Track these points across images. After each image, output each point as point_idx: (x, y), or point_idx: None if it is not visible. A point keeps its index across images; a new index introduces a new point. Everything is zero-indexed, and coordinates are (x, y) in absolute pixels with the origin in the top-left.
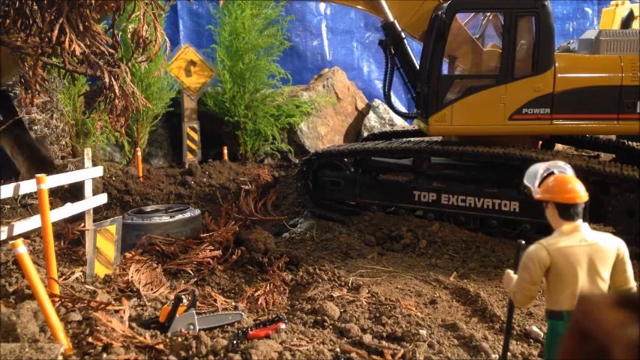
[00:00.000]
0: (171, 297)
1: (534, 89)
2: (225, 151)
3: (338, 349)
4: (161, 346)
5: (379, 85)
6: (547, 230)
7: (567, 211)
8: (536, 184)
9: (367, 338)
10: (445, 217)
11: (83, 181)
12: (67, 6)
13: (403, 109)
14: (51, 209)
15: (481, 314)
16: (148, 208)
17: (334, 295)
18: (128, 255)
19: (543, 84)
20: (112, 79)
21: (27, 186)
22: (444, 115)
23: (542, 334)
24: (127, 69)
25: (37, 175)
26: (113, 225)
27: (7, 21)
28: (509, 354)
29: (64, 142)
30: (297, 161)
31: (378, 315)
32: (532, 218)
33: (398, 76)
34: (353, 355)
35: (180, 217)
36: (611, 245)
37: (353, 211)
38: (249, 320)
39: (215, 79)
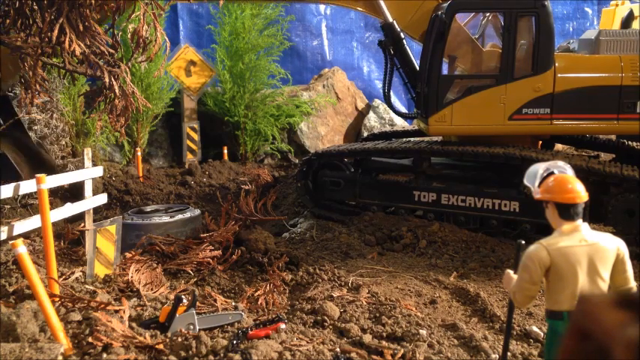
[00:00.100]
0: (171, 297)
1: (534, 89)
2: (225, 151)
3: (338, 349)
4: (161, 346)
5: (379, 85)
6: (547, 230)
7: (567, 211)
8: (536, 184)
9: (367, 338)
10: (445, 217)
11: (83, 181)
12: (67, 6)
13: (403, 110)
14: (51, 209)
15: (481, 314)
16: (148, 208)
17: (334, 295)
18: (128, 255)
19: (543, 84)
20: (112, 79)
21: (27, 186)
22: (443, 115)
23: (542, 334)
24: (127, 69)
25: (37, 175)
26: (113, 225)
27: (7, 21)
28: (509, 354)
29: (64, 142)
30: (297, 161)
31: (378, 315)
32: (532, 218)
33: (398, 77)
34: (353, 355)
35: (180, 217)
36: (611, 245)
37: (353, 211)
38: (249, 320)
39: (215, 79)
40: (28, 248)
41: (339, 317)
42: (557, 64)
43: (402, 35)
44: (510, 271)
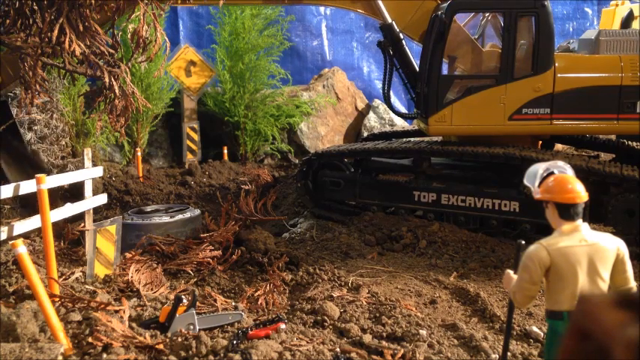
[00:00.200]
0: (171, 297)
1: (534, 89)
2: (225, 151)
3: (338, 349)
4: (161, 346)
5: (379, 85)
6: (547, 230)
7: (567, 211)
8: (536, 184)
9: (367, 338)
10: (445, 217)
11: (83, 181)
12: (67, 6)
13: (403, 110)
14: (51, 209)
15: (481, 314)
16: (148, 208)
17: (334, 295)
18: (128, 255)
19: (543, 84)
20: (112, 79)
21: (27, 186)
22: (443, 116)
23: (542, 334)
24: (127, 69)
25: (37, 175)
26: (113, 225)
27: (7, 21)
28: (509, 354)
29: (64, 142)
30: (297, 161)
31: (378, 315)
32: (532, 218)
33: (397, 77)
34: (353, 355)
35: (180, 217)
36: (611, 245)
37: (353, 211)
38: (249, 320)
39: (215, 79)
40: (28, 248)
41: (339, 317)
42: (557, 64)
43: (402, 36)
44: (510, 271)
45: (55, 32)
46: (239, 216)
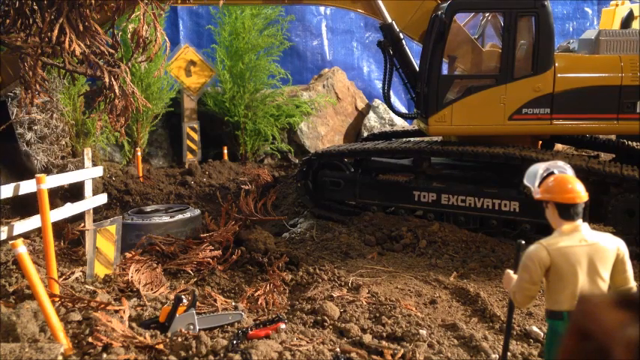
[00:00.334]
0: (171, 297)
1: (534, 89)
2: (225, 151)
3: (338, 349)
4: (161, 346)
5: (379, 85)
6: (547, 230)
7: (567, 211)
8: (536, 184)
9: (367, 338)
10: (445, 217)
11: (83, 181)
12: (67, 6)
13: (403, 110)
14: (51, 209)
15: (481, 314)
16: (148, 208)
17: (334, 295)
18: (128, 255)
19: (543, 84)
20: (112, 79)
21: (27, 186)
22: (443, 116)
23: (542, 334)
24: (127, 69)
25: (37, 175)
26: (113, 225)
27: (7, 21)
28: (509, 354)
29: (64, 142)
30: (297, 161)
31: (378, 315)
32: (532, 218)
33: (397, 77)
34: (353, 355)
35: (180, 217)
36: (611, 245)
37: (353, 211)
38: (249, 320)
39: (215, 79)
40: (28, 248)
41: (339, 317)
42: (557, 64)
43: (402, 36)
44: (510, 271)
45: (55, 32)
46: (239, 216)
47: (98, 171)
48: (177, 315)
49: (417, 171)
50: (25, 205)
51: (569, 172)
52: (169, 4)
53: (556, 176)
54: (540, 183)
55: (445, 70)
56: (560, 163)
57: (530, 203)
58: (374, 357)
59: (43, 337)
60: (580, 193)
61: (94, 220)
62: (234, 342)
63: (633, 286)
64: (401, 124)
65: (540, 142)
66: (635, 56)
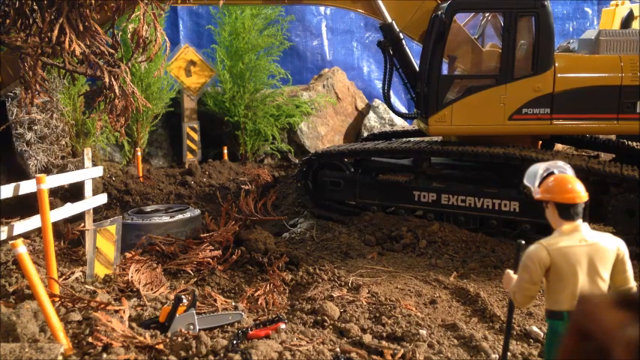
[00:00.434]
0: (171, 297)
1: (534, 89)
2: (225, 151)
3: (338, 349)
4: (161, 346)
5: (379, 85)
6: (547, 230)
7: (567, 211)
8: (536, 184)
9: (367, 338)
10: (445, 217)
11: (83, 181)
12: (67, 6)
13: (403, 110)
14: (51, 209)
15: (481, 314)
16: (148, 208)
17: (334, 295)
18: (128, 255)
19: (543, 84)
20: (112, 79)
21: (27, 186)
22: (443, 116)
23: (542, 334)
24: (127, 69)
25: (37, 175)
26: (113, 225)
27: (7, 21)
28: (509, 354)
29: (64, 142)
30: (297, 161)
31: (378, 315)
32: (532, 218)
33: (398, 77)
34: (353, 355)
35: (180, 217)
36: (611, 245)
37: (353, 211)
38: (249, 320)
39: (215, 79)
40: (28, 248)
41: (339, 317)
42: (557, 64)
43: (402, 36)
44: (510, 271)
45: (55, 32)
46: (239, 216)
47: (98, 171)
48: (177, 315)
49: (417, 171)
50: (25, 205)
51: (569, 172)
52: (169, 4)
53: (556, 176)
54: (540, 183)
55: (445, 70)
56: (560, 163)
57: (530, 203)
58: (374, 357)
59: (43, 337)
60: (580, 193)
61: (94, 220)
62: (234, 342)
63: (633, 286)
64: (401, 124)
65: (540, 142)
66: (635, 56)
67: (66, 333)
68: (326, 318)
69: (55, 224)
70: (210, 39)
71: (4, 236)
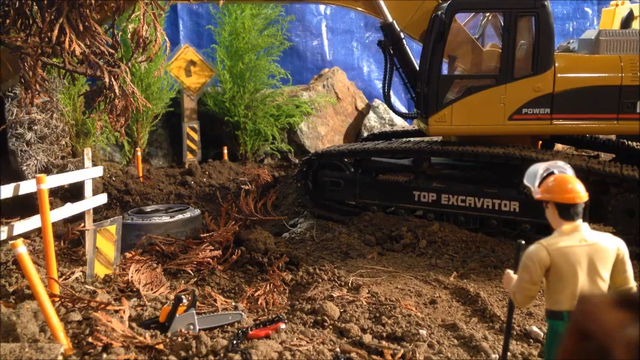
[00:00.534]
0: (171, 297)
1: (534, 89)
2: (225, 151)
3: (338, 349)
4: (161, 346)
5: (379, 85)
6: (547, 230)
7: (567, 211)
8: (536, 184)
9: (367, 338)
10: (445, 217)
11: (83, 181)
12: (67, 6)
13: (403, 110)
14: (51, 209)
15: (481, 314)
16: (148, 208)
17: (334, 295)
18: (128, 255)
19: (543, 84)
20: (112, 79)
21: (27, 186)
22: (443, 116)
23: (542, 334)
24: (127, 69)
25: (37, 175)
26: (113, 225)
27: (7, 21)
28: (509, 354)
29: (64, 142)
30: (297, 161)
31: (378, 315)
32: (532, 218)
33: (398, 77)
34: (353, 355)
35: (180, 217)
36: (611, 245)
37: (353, 211)
38: (249, 320)
39: (215, 79)
40: (28, 248)
41: (339, 317)
42: (557, 64)
43: (402, 35)
44: (510, 271)
45: (55, 32)
46: (239, 216)
47: (98, 171)
48: (177, 315)
49: (417, 171)
50: (25, 205)
51: (569, 172)
52: (170, 4)
53: (556, 176)
54: (540, 183)
55: (445, 70)
56: (560, 163)
57: (530, 203)
58: (374, 357)
59: (43, 337)
60: (580, 193)
61: (94, 220)
62: (234, 342)
63: (633, 286)
64: (401, 124)
65: (540, 142)
66: (635, 56)
67: (66, 333)
68: (326, 318)
69: (55, 224)
70: (210, 39)
71: (4, 236)
